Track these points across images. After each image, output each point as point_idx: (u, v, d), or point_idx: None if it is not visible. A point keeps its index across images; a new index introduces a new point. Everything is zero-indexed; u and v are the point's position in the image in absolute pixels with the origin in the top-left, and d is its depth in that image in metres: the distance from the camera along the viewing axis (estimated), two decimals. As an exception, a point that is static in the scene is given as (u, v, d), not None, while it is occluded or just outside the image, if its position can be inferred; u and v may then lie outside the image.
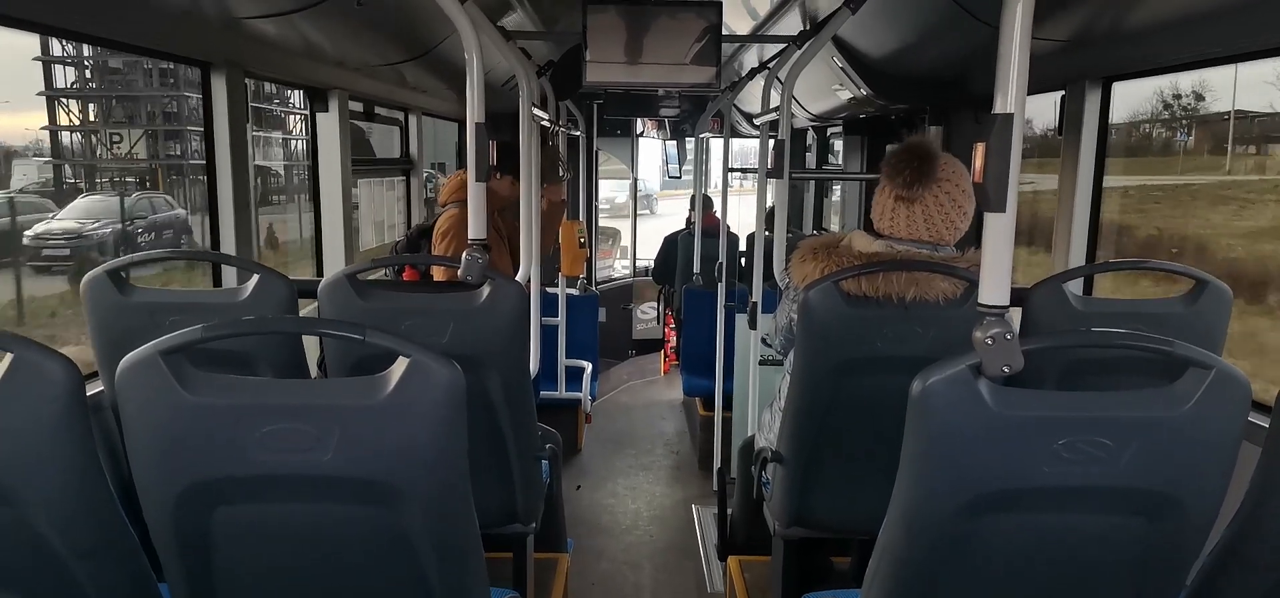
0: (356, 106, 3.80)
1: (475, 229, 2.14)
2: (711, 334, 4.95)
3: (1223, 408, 1.22)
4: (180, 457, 1.22)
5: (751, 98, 5.62)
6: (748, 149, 9.83)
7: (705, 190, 6.95)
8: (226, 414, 1.20)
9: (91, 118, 23.17)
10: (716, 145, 8.55)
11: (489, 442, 2.10)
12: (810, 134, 7.08)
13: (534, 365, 3.30)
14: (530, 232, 2.91)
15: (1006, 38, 1.17)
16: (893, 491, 1.36)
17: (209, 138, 2.79)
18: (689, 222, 6.98)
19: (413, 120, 4.53)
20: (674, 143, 9.10)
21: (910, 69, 3.64)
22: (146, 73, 23.29)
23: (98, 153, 23.32)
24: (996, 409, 1.21)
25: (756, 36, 4.26)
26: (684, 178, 9.37)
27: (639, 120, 8.45)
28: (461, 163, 5.63)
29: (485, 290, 1.99)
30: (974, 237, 1.83)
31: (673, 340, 7.32)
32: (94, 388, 2.13)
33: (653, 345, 8.26)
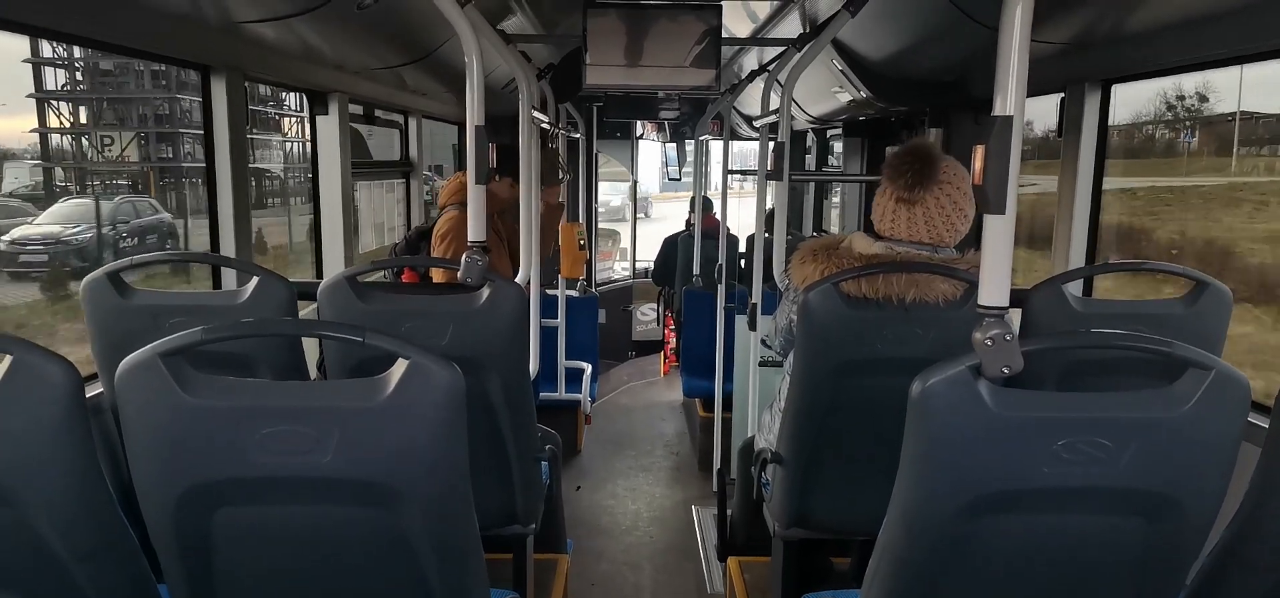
0: (356, 109, 3.80)
1: (475, 231, 2.14)
2: (711, 336, 4.95)
3: (1222, 409, 1.22)
4: (180, 459, 1.22)
5: (751, 100, 5.63)
6: (747, 151, 9.83)
7: (705, 193, 6.95)
8: (226, 416, 1.20)
9: (82, 120, 23.07)
10: (716, 148, 8.55)
11: (489, 443, 2.10)
12: (810, 136, 7.09)
13: (534, 367, 3.30)
14: (530, 234, 2.91)
15: (1006, 40, 1.18)
16: (892, 491, 1.36)
17: (209, 141, 2.79)
18: (689, 223, 6.98)
19: (412, 123, 4.54)
20: (674, 145, 9.11)
21: (910, 71, 3.64)
22: (138, 75, 23.16)
23: (88, 156, 23.19)
24: (996, 410, 1.21)
25: (756, 39, 4.27)
26: (683, 180, 9.38)
27: (639, 123, 8.46)
28: (459, 165, 5.64)
29: (485, 292, 2.00)
30: (974, 239, 1.83)
31: (672, 342, 7.33)
32: (94, 390, 2.13)
33: (652, 347, 8.26)
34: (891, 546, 1.38)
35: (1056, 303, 2.15)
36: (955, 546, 1.31)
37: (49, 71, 22.63)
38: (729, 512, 3.25)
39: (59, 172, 22.81)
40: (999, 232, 1.24)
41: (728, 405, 4.61)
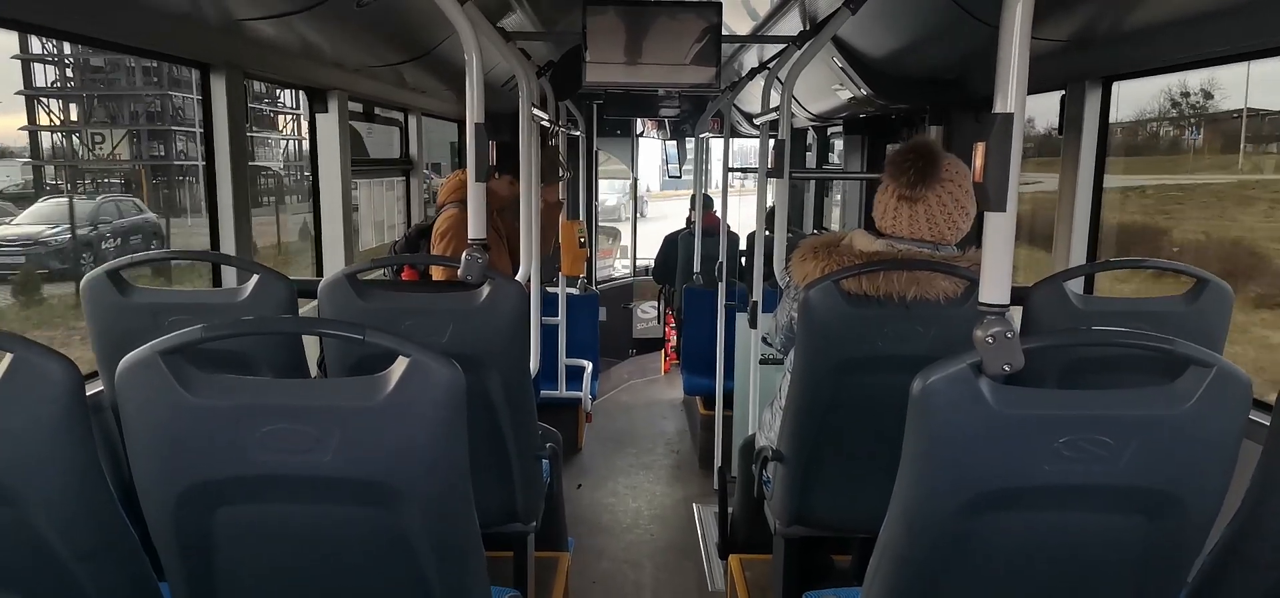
0: (356, 107, 3.80)
1: (475, 229, 2.14)
2: (712, 333, 4.95)
3: (1223, 406, 1.22)
4: (180, 457, 1.22)
5: (751, 98, 5.62)
6: (748, 149, 9.83)
7: (705, 190, 6.95)
8: (226, 415, 1.20)
9: (73, 118, 22.86)
10: (716, 145, 8.55)
11: (489, 441, 2.10)
12: (810, 134, 7.08)
13: (534, 365, 3.30)
14: (530, 231, 2.91)
15: (1006, 37, 1.17)
16: (893, 489, 1.36)
17: (209, 139, 2.78)
18: (689, 221, 6.98)
19: (412, 121, 4.53)
20: (674, 143, 9.10)
21: (910, 69, 3.64)
22: (129, 71, 22.93)
23: (80, 154, 22.96)
24: (997, 408, 1.21)
25: (756, 37, 4.27)
26: (683, 178, 9.38)
27: (639, 120, 8.46)
28: (457, 164, 5.64)
29: (485, 290, 1.99)
30: (975, 236, 1.83)
31: (673, 340, 7.33)
32: (94, 388, 2.13)
33: (653, 345, 8.26)
34: (892, 543, 1.38)
35: (1057, 301, 2.14)
36: (956, 543, 1.31)
37: (39, 68, 22.38)
38: (730, 510, 3.25)
39: (49, 169, 22.55)
40: (1000, 229, 1.23)
41: (728, 403, 4.61)
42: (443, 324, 1.97)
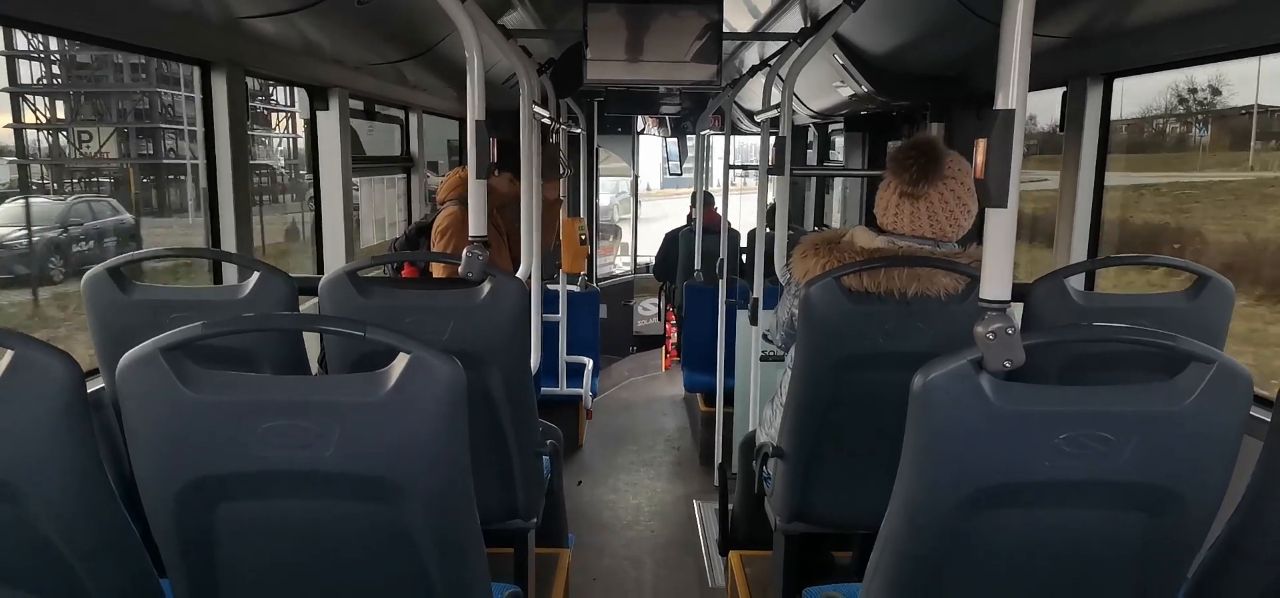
0: (357, 105, 3.80)
1: (476, 226, 2.14)
2: (712, 330, 4.96)
3: (1224, 402, 1.22)
4: (181, 453, 1.22)
5: (752, 95, 5.62)
6: (749, 146, 9.82)
7: (706, 188, 6.96)
8: (228, 411, 1.20)
9: (60, 115, 22.58)
10: (717, 142, 8.55)
11: (490, 438, 2.10)
12: (811, 131, 7.08)
13: (535, 362, 3.30)
14: (530, 228, 2.91)
15: (1007, 34, 1.17)
16: (894, 485, 1.36)
17: (209, 137, 2.78)
18: (690, 218, 6.98)
19: (413, 118, 4.53)
20: (675, 140, 9.10)
21: (911, 66, 3.64)
22: (116, 68, 22.68)
23: (67, 152, 22.67)
24: (998, 404, 1.21)
25: (757, 34, 4.27)
26: (684, 176, 9.37)
27: (640, 118, 8.45)
28: (455, 162, 5.64)
29: (486, 287, 2.00)
30: (975, 233, 1.83)
31: (674, 337, 7.33)
32: (95, 385, 2.13)
33: (654, 342, 8.27)
34: (893, 540, 1.38)
35: (1058, 297, 2.14)
36: (957, 539, 1.31)
37: (24, 65, 22.07)
38: (730, 506, 3.26)
39: (36, 168, 22.20)
40: (1001, 225, 1.23)
41: (729, 400, 4.61)
42: (443, 321, 1.98)
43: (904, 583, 1.39)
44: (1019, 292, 1.83)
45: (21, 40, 20.94)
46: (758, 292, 3.70)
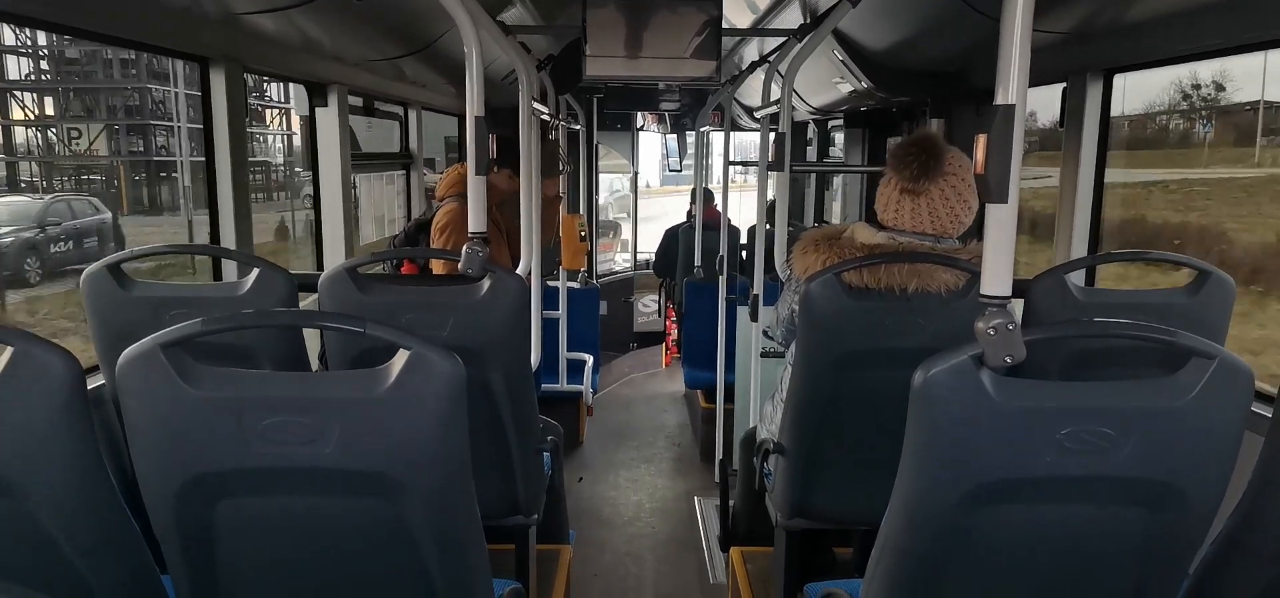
0: (356, 101, 3.80)
1: (475, 223, 2.14)
2: (713, 327, 4.96)
3: (1225, 398, 1.21)
4: (181, 450, 1.22)
5: (752, 91, 5.61)
6: (748, 143, 9.82)
7: (705, 184, 6.95)
8: (228, 407, 1.20)
9: (49, 112, 22.36)
10: (717, 139, 8.55)
11: (490, 434, 2.10)
12: (811, 127, 7.08)
13: (535, 358, 3.30)
14: (530, 225, 2.91)
15: (1007, 30, 1.17)
16: (895, 481, 1.36)
17: (208, 133, 2.78)
18: (690, 215, 6.98)
19: (412, 115, 4.53)
20: (674, 137, 9.09)
21: (911, 62, 3.63)
22: (106, 64, 22.48)
23: (56, 149, 22.46)
24: (998, 400, 1.21)
25: (757, 30, 4.26)
26: (683, 172, 9.37)
27: (639, 114, 8.45)
28: (452, 159, 5.63)
29: (485, 284, 1.99)
30: (976, 229, 1.82)
31: (674, 333, 7.33)
32: (95, 382, 2.13)
33: (654, 338, 8.27)
34: (893, 535, 1.38)
35: (1058, 293, 2.14)
36: (957, 535, 1.31)
37: (12, 60, 21.85)
38: (731, 502, 3.26)
39: (25, 167, 21.96)
40: (1001, 221, 1.23)
41: (729, 396, 4.62)
42: (443, 318, 1.98)
43: (904, 579, 1.39)
44: (1019, 287, 1.83)
45: (9, 35, 20.75)
46: (758, 288, 3.70)
